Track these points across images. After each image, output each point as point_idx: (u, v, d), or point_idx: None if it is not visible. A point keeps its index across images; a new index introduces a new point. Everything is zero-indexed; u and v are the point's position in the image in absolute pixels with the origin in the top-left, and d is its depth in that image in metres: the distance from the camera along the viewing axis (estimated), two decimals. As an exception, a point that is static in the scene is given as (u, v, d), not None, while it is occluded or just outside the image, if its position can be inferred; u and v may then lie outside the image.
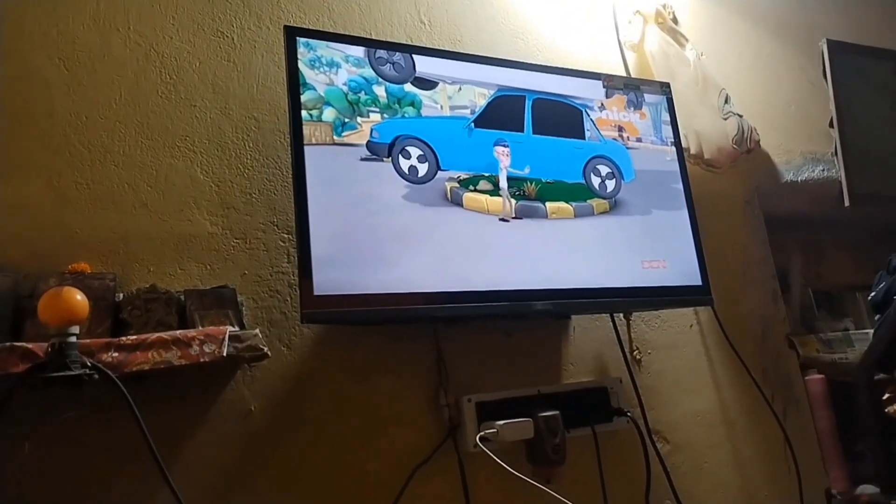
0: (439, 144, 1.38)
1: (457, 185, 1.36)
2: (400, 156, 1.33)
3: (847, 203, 2.01)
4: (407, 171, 1.33)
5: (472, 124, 1.43)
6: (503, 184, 1.40)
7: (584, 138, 1.55)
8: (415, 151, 1.35)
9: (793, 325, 2.04)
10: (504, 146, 1.43)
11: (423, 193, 1.33)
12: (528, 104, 1.50)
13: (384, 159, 1.32)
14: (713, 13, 2.12)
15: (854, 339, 1.96)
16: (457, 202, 1.36)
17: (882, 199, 2.09)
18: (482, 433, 1.29)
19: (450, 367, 1.39)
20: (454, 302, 1.29)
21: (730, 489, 1.68)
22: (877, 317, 1.69)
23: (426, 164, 1.35)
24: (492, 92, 1.47)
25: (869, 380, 1.60)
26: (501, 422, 1.30)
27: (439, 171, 1.36)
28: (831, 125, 2.08)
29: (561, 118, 1.54)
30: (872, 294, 1.74)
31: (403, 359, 1.37)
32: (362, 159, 1.30)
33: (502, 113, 1.47)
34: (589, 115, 1.58)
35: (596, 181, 1.54)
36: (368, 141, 1.31)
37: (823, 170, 2.12)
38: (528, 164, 1.45)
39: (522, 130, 1.48)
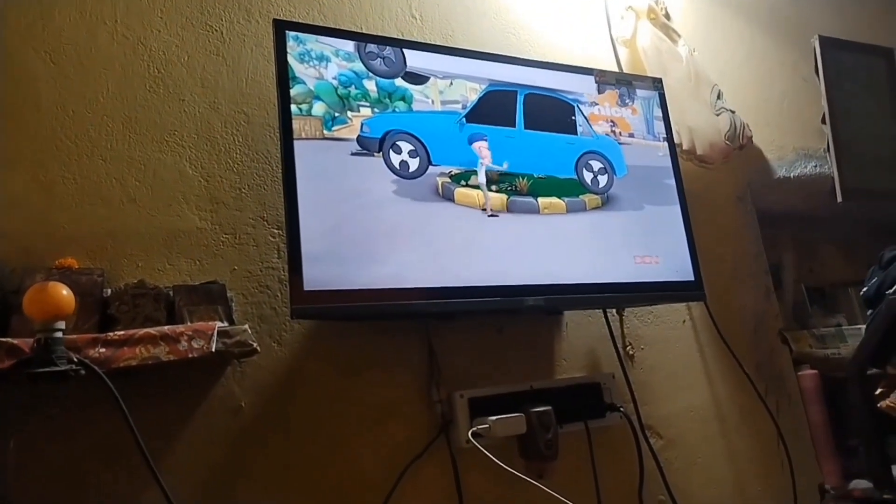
0: (430, 139, 1.37)
1: (448, 180, 1.36)
2: (391, 151, 1.32)
3: (839, 199, 2.02)
4: (398, 167, 1.32)
5: (464, 119, 1.42)
6: (481, 178, 1.39)
7: (576, 133, 1.55)
8: (406, 146, 1.34)
9: (785, 320, 2.04)
10: (483, 140, 1.42)
11: (415, 188, 1.32)
12: (519, 99, 1.50)
13: (375, 154, 1.31)
14: (706, 9, 2.12)
15: (847, 335, 1.97)
16: (448, 197, 1.35)
17: (874, 195, 2.10)
18: (474, 429, 1.28)
19: (442, 362, 1.38)
20: (446, 297, 1.28)
21: (723, 484, 1.68)
22: (869, 312, 1.69)
23: (417, 158, 1.34)
24: (483, 87, 1.46)
25: (861, 375, 1.60)
26: (494, 417, 1.29)
27: (430, 167, 1.35)
28: (823, 121, 2.08)
29: (553, 113, 1.54)
30: (864, 289, 1.74)
31: (395, 354, 1.36)
32: (353, 154, 1.29)
33: (494, 108, 1.46)
34: (581, 111, 1.57)
35: (588, 176, 1.53)
36: (359, 136, 1.30)
37: (816, 166, 2.12)
38: (506, 159, 1.44)
39: (514, 125, 1.48)
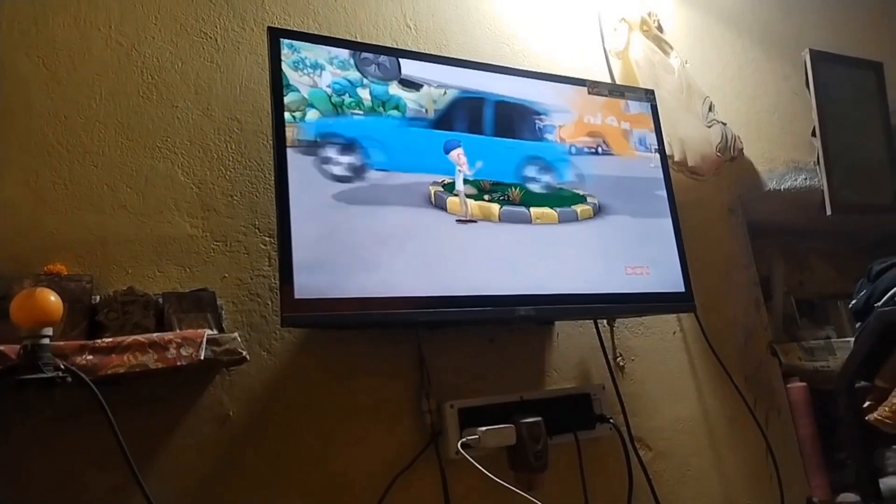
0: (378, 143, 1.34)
1: (441, 189, 1.36)
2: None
3: (829, 212, 2.03)
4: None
5: (432, 125, 1.41)
6: (459, 186, 1.38)
7: (548, 141, 1.54)
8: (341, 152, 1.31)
9: (775, 332, 2.05)
10: (459, 148, 1.41)
11: (408, 196, 1.32)
12: (487, 107, 1.49)
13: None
14: (698, 22, 2.14)
15: (836, 347, 1.97)
16: (440, 206, 1.35)
17: (863, 208, 2.11)
18: (464, 439, 1.28)
19: (432, 372, 1.38)
20: (437, 307, 1.28)
21: (712, 497, 1.68)
22: (857, 324, 1.70)
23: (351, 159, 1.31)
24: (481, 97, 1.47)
25: (850, 387, 1.61)
26: (483, 428, 1.29)
27: (370, 171, 1.30)
28: (814, 134, 2.10)
29: (520, 122, 1.52)
30: (853, 302, 1.75)
31: (385, 364, 1.36)
32: (345, 162, 1.29)
33: (463, 114, 1.45)
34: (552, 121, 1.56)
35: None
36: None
37: (806, 178, 2.13)
38: (480, 159, 1.43)
39: (482, 133, 1.47)
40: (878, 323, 1.59)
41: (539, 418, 1.35)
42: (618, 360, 1.64)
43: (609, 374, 1.58)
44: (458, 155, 1.41)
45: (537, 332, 1.56)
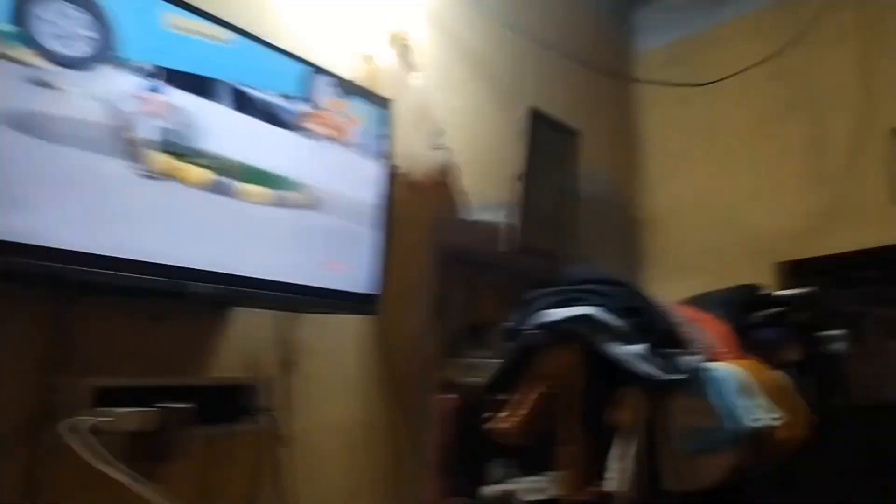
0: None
1: (134, 136, 1.21)
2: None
3: (513, 249, 2.31)
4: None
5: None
6: (149, 136, 1.23)
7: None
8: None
9: (443, 349, 2.25)
10: (160, 95, 1.26)
11: (96, 141, 1.15)
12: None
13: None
14: (445, 54, 2.25)
15: (487, 366, 2.23)
16: (130, 156, 1.20)
17: (539, 251, 2.46)
18: (94, 421, 1.14)
19: (75, 343, 1.22)
20: (93, 266, 1.14)
21: (339, 495, 1.74)
22: (504, 345, 1.94)
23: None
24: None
25: (479, 400, 1.81)
26: (121, 409, 1.17)
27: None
28: (517, 179, 2.37)
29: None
30: (505, 325, 1.99)
31: (12, 328, 1.17)
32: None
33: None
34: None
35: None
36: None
37: (503, 216, 2.38)
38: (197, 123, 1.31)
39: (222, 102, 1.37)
40: (516, 344, 1.81)
41: (190, 405, 1.27)
42: (292, 354, 1.63)
43: (280, 367, 1.57)
44: (157, 101, 1.25)
45: (212, 316, 1.48)
